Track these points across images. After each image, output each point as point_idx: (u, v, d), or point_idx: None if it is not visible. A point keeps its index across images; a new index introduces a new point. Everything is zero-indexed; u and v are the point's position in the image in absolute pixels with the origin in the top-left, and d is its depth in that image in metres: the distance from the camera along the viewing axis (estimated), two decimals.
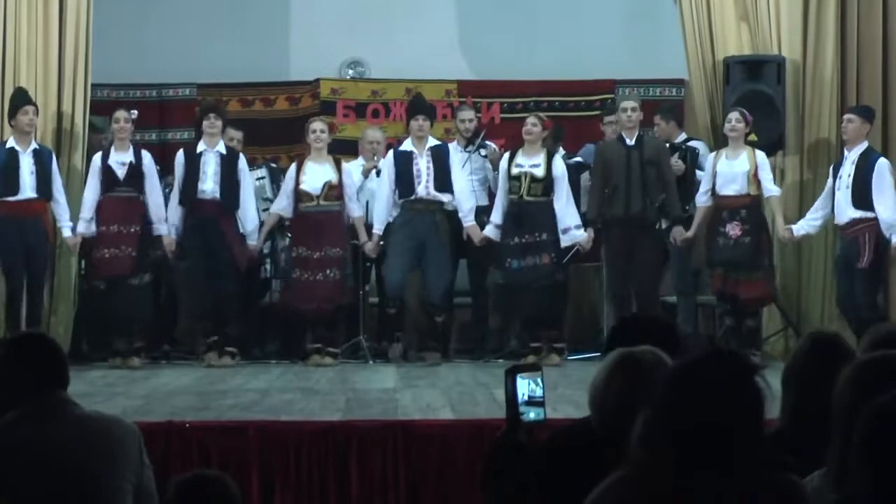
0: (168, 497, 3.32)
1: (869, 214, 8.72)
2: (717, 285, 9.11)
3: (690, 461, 2.30)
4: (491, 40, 11.60)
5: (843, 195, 8.83)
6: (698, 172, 9.62)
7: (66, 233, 9.15)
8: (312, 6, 11.81)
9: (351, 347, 9.50)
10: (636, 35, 11.50)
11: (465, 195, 9.37)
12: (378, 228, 9.34)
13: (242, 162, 9.33)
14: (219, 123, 9.24)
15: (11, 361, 3.46)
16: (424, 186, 9.27)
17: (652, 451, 2.36)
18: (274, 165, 10.43)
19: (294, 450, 5.93)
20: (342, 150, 10.32)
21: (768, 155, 9.30)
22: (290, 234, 9.50)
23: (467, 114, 10.09)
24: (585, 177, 9.79)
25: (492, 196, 9.78)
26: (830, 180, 9.02)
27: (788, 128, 9.63)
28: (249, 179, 9.37)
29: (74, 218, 9.19)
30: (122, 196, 9.14)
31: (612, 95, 11.33)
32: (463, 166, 9.61)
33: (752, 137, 9.42)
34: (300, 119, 11.38)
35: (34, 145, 9.07)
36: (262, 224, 9.40)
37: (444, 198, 9.30)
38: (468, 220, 9.37)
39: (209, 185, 9.15)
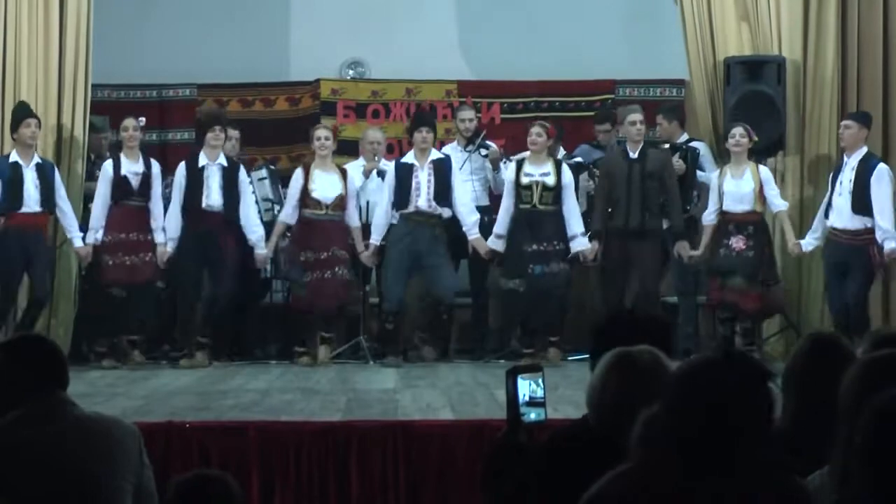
0: (169, 497, 3.32)
1: (873, 222, 8.75)
2: (716, 295, 9.12)
3: (696, 461, 2.30)
4: (491, 40, 11.60)
5: (844, 200, 8.84)
6: (699, 173, 9.63)
7: (78, 243, 9.14)
8: (312, 6, 11.81)
9: (351, 348, 9.50)
10: (636, 35, 11.50)
11: (468, 208, 9.35)
12: (375, 239, 9.34)
13: (243, 173, 9.34)
14: (222, 136, 9.25)
15: (11, 363, 3.46)
16: (426, 199, 9.25)
17: (656, 450, 2.36)
18: (273, 168, 10.42)
19: (294, 450, 5.93)
20: (343, 150, 10.30)
21: (768, 156, 9.30)
22: (288, 235, 9.48)
23: (467, 114, 10.09)
24: (584, 177, 9.80)
25: (492, 196, 9.78)
26: (829, 189, 9.01)
27: (789, 128, 9.63)
28: (249, 189, 9.36)
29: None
30: (136, 206, 9.16)
31: (612, 95, 11.34)
32: (461, 167, 9.61)
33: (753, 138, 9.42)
34: (300, 119, 11.40)
35: (37, 159, 9.06)
36: (268, 230, 9.39)
37: (444, 212, 9.29)
38: (473, 234, 9.35)
39: (214, 198, 9.15)
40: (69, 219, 9.13)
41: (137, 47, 11.27)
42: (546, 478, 3.05)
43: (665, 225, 9.35)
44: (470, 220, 9.34)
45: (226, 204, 9.15)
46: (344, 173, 9.37)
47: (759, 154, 9.39)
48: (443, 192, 9.26)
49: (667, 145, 9.62)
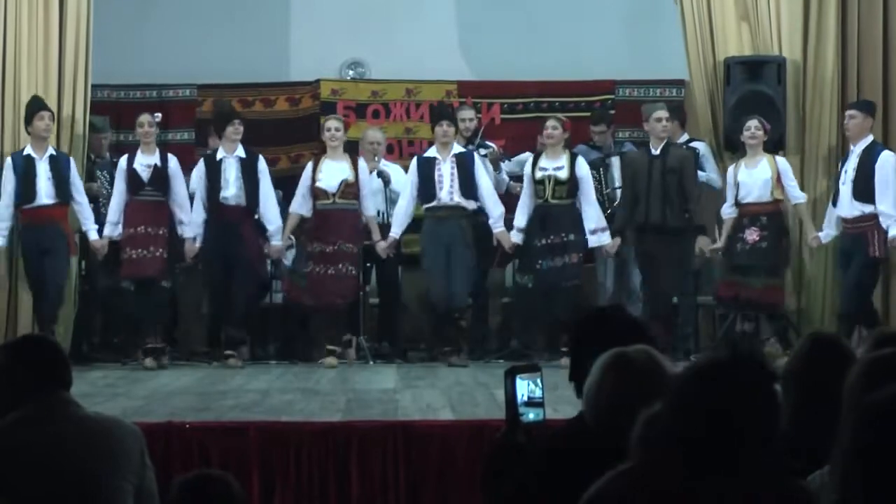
0: (172, 496, 3.32)
1: (873, 209, 8.74)
2: (729, 291, 9.08)
3: (698, 461, 2.30)
4: (491, 40, 11.59)
5: (847, 189, 8.86)
6: (699, 173, 9.63)
7: (93, 235, 9.18)
8: (312, 6, 11.80)
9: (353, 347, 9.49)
10: (636, 35, 11.50)
11: (493, 200, 9.33)
12: (395, 232, 9.32)
13: (262, 163, 9.35)
14: (241, 129, 9.27)
15: (14, 363, 3.47)
16: (448, 192, 9.24)
17: (657, 449, 2.36)
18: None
19: (294, 450, 5.93)
20: (343, 150, 10.28)
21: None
22: (292, 237, 9.48)
23: (467, 113, 10.09)
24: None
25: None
26: (837, 177, 9.02)
27: (789, 128, 9.63)
28: (269, 180, 9.36)
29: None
30: (149, 200, 9.16)
31: (612, 96, 11.34)
32: None
33: None
34: (300, 120, 11.40)
35: (51, 151, 9.10)
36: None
37: (469, 204, 9.27)
38: (498, 227, 9.32)
39: (231, 190, 9.17)
40: (85, 211, 9.18)
41: (137, 47, 11.27)
42: (545, 478, 3.05)
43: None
44: (496, 213, 9.30)
45: (245, 196, 9.16)
46: (355, 161, 9.34)
47: None
48: (466, 185, 9.24)
49: (691, 154, 9.55)
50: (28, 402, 3.39)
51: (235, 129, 9.25)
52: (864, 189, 8.77)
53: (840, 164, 9.13)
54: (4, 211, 9.09)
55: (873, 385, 2.55)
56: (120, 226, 9.17)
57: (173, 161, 9.27)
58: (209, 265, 9.28)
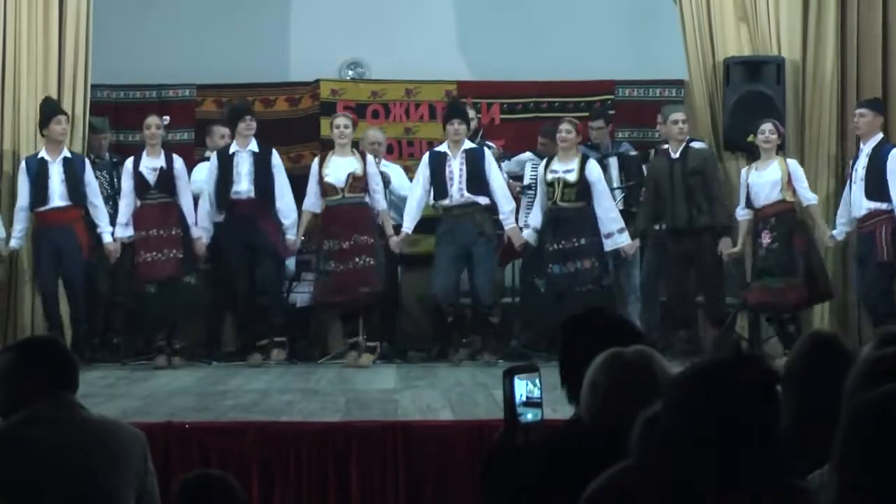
0: (173, 497, 3.33)
1: (882, 206, 8.73)
2: (755, 297, 9.06)
3: (700, 461, 2.30)
4: (491, 40, 11.60)
5: (858, 187, 8.84)
6: None
7: (107, 238, 9.19)
8: (312, 6, 11.81)
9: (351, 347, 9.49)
10: (636, 35, 11.50)
11: (504, 197, 9.31)
12: (407, 227, 9.31)
13: (276, 158, 9.35)
14: (254, 124, 9.28)
15: (22, 364, 3.47)
16: (458, 188, 9.23)
17: (657, 449, 2.36)
18: None
19: (294, 451, 5.93)
20: None
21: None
22: (303, 238, 9.49)
23: (469, 113, 10.07)
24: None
25: None
26: (849, 176, 9.02)
27: (788, 128, 9.62)
28: (284, 174, 9.36)
29: None
30: (157, 202, 9.16)
31: (612, 96, 11.34)
32: None
33: (752, 138, 9.42)
34: (300, 120, 11.40)
35: (65, 153, 9.12)
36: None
37: (480, 200, 9.25)
38: (508, 223, 9.33)
39: (244, 185, 9.18)
40: (100, 213, 9.20)
41: (137, 47, 11.28)
42: (544, 478, 3.05)
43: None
44: (507, 209, 9.29)
45: (257, 190, 9.16)
46: (363, 156, 9.33)
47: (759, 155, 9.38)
48: (477, 181, 9.22)
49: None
50: (34, 402, 3.39)
51: (247, 125, 9.25)
52: (876, 187, 8.74)
53: (851, 164, 9.10)
54: (19, 213, 9.11)
55: (874, 385, 2.55)
56: (130, 227, 9.17)
57: (179, 162, 9.26)
58: (227, 259, 9.24)
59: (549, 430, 3.29)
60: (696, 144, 9.84)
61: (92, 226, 9.21)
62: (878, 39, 9.77)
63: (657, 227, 9.42)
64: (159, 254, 9.08)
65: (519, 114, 11.44)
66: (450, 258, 9.22)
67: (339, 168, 9.21)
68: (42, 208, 9.06)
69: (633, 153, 10.19)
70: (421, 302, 9.94)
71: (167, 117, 9.58)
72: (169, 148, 9.58)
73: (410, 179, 9.96)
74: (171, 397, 7.35)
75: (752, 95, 9.50)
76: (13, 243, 9.16)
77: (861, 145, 9.00)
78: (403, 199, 9.69)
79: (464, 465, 5.82)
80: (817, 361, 3.36)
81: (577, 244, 9.10)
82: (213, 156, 9.39)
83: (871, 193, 8.76)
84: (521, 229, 9.41)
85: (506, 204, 9.28)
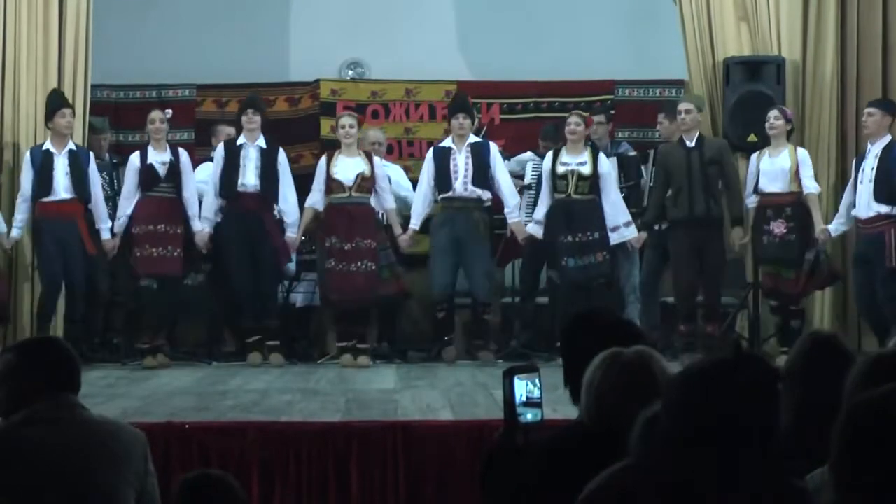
0: (173, 496, 3.33)
1: (892, 210, 8.68)
2: (767, 283, 9.07)
3: (700, 460, 2.30)
4: (491, 40, 11.60)
5: (866, 189, 8.79)
6: None
7: (105, 235, 9.19)
8: (312, 6, 11.81)
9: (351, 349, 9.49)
10: (636, 35, 11.50)
11: (509, 191, 9.32)
12: (415, 223, 9.32)
13: (282, 155, 9.34)
14: (257, 118, 9.26)
15: (25, 363, 3.47)
16: (462, 182, 9.23)
17: (657, 448, 2.36)
18: None
19: (294, 451, 5.93)
20: None
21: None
22: (304, 237, 9.48)
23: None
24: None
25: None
26: (853, 175, 8.99)
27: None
28: (289, 172, 9.36)
29: None
30: (164, 196, 9.14)
31: (611, 96, 11.34)
32: None
33: (752, 138, 9.42)
34: (300, 120, 11.40)
35: (70, 146, 9.11)
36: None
37: (483, 194, 9.25)
38: (513, 216, 9.35)
39: (250, 178, 9.17)
40: (100, 208, 9.20)
41: (137, 47, 11.28)
42: (545, 477, 3.05)
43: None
44: (511, 203, 9.31)
45: (263, 185, 9.16)
46: (370, 157, 9.33)
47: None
48: (481, 175, 9.23)
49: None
50: (34, 403, 3.39)
51: (249, 119, 9.24)
52: (884, 189, 8.69)
53: (855, 163, 9.08)
54: (21, 204, 9.11)
55: (873, 385, 2.55)
56: (128, 221, 9.15)
57: (184, 155, 9.29)
58: (228, 253, 9.21)
59: (549, 431, 3.29)
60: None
61: (91, 222, 9.21)
62: (878, 39, 9.77)
63: (657, 227, 9.41)
64: (163, 249, 9.07)
65: (519, 114, 11.44)
66: (445, 256, 9.22)
67: (347, 167, 9.20)
68: (45, 199, 9.04)
69: (633, 153, 10.19)
70: (421, 302, 9.93)
71: (169, 110, 9.56)
72: (169, 147, 9.57)
73: (410, 179, 9.98)
74: (171, 397, 7.35)
75: (752, 95, 9.50)
76: (14, 233, 9.15)
77: (869, 145, 8.95)
78: (402, 199, 9.70)
79: (464, 465, 5.83)
80: (817, 361, 3.37)
81: (591, 237, 9.10)
82: (220, 146, 9.37)
83: (879, 195, 8.71)
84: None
85: (511, 198, 9.32)
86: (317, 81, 11.48)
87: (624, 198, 9.72)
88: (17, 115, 9.60)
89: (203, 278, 9.43)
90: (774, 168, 8.99)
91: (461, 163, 9.25)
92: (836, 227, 9.09)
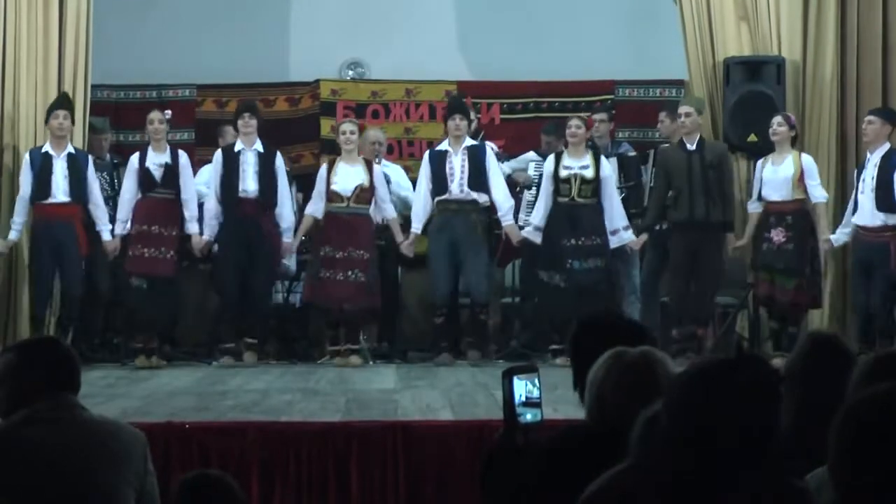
0: (172, 496, 3.32)
1: (893, 219, 8.66)
2: (763, 290, 9.06)
3: (700, 461, 2.30)
4: (491, 40, 11.60)
5: (867, 198, 8.78)
6: None
7: (106, 236, 9.18)
8: (312, 7, 11.81)
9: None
10: (636, 35, 11.50)
11: (504, 194, 9.31)
12: (416, 227, 9.31)
13: (279, 160, 9.33)
14: (253, 122, 9.23)
15: (26, 363, 3.47)
16: (458, 184, 9.22)
17: (657, 448, 2.36)
18: None
19: (294, 451, 5.93)
20: None
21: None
22: (304, 238, 9.48)
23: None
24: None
25: None
26: (855, 184, 8.97)
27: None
28: (286, 178, 9.37)
29: None
30: (161, 198, 9.13)
31: (611, 96, 11.35)
32: None
33: (753, 138, 9.42)
34: (300, 120, 11.41)
35: (69, 149, 9.10)
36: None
37: (480, 197, 9.25)
38: (507, 220, 9.33)
39: (250, 184, 9.16)
40: (100, 211, 9.19)
41: (137, 47, 11.28)
42: (545, 478, 3.05)
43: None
44: (505, 206, 9.29)
45: (261, 190, 9.15)
46: (370, 165, 9.33)
47: (758, 155, 9.38)
48: (477, 178, 9.21)
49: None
50: (34, 403, 3.39)
51: (245, 123, 9.22)
52: (885, 198, 8.68)
53: (857, 173, 9.06)
54: (20, 206, 9.11)
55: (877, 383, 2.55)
56: (129, 223, 9.16)
57: (184, 157, 9.26)
58: (225, 259, 9.20)
59: (549, 431, 3.29)
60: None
61: (90, 224, 9.20)
62: (878, 39, 9.77)
63: (658, 227, 9.41)
64: (156, 251, 9.05)
65: (519, 114, 11.45)
66: (444, 259, 9.21)
67: (347, 177, 9.19)
68: (43, 202, 9.04)
69: (633, 154, 10.19)
70: (421, 302, 9.93)
71: (169, 111, 9.55)
72: (169, 148, 9.57)
73: (410, 179, 9.97)
74: (171, 397, 7.35)
75: (752, 95, 9.50)
76: (12, 235, 9.15)
77: (868, 153, 8.94)
78: (403, 199, 9.71)
79: (464, 465, 5.82)
80: (817, 361, 3.37)
81: (594, 242, 9.10)
82: (218, 153, 9.36)
83: (881, 205, 8.70)
84: (519, 227, 9.42)
85: (505, 202, 9.28)
86: (317, 81, 11.49)
87: (624, 198, 9.72)
88: (17, 116, 9.60)
89: (189, 286, 9.35)
90: (777, 177, 8.97)
91: (457, 165, 9.24)
92: (839, 236, 9.07)
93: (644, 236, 9.31)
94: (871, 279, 8.79)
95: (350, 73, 11.84)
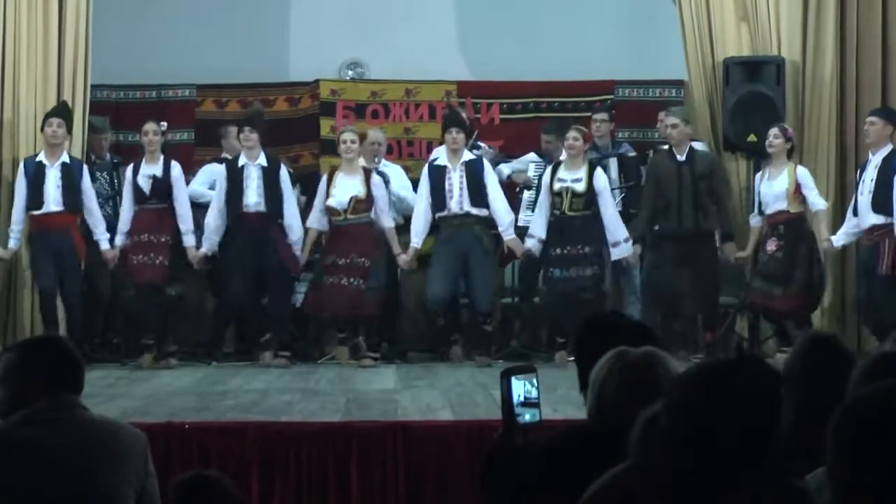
0: (169, 496, 3.32)
1: (889, 220, 8.61)
2: (754, 299, 9.08)
3: (700, 461, 2.30)
4: (490, 40, 11.60)
5: (865, 199, 8.77)
6: None
7: (104, 245, 9.17)
8: (312, 6, 11.81)
9: (352, 348, 9.48)
10: (636, 35, 11.50)
11: (504, 208, 9.30)
12: (416, 243, 9.29)
13: (284, 173, 9.30)
14: (253, 136, 9.18)
15: (29, 362, 3.47)
16: (458, 201, 9.22)
17: (657, 449, 2.36)
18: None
19: (294, 451, 5.93)
20: None
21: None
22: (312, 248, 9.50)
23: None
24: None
25: None
26: (856, 185, 8.96)
27: None
28: (291, 190, 9.35)
29: None
30: (153, 208, 9.12)
31: (611, 96, 11.34)
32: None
33: (752, 138, 9.42)
34: (299, 120, 11.41)
35: (63, 158, 9.09)
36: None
37: (480, 212, 9.24)
38: (508, 234, 9.32)
39: (253, 198, 9.14)
40: (95, 219, 9.18)
41: (137, 47, 11.28)
42: (545, 478, 3.05)
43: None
44: (505, 221, 9.29)
45: (267, 203, 9.13)
46: (368, 175, 9.31)
47: (758, 155, 9.38)
48: (476, 193, 9.21)
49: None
50: (36, 401, 3.39)
51: (246, 137, 9.19)
52: (882, 199, 8.66)
53: (858, 173, 9.05)
54: (17, 214, 9.10)
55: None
56: (127, 236, 9.16)
57: (176, 169, 9.19)
58: (232, 274, 9.18)
59: (549, 431, 3.29)
60: (696, 145, 9.84)
61: (88, 231, 9.20)
62: (878, 39, 9.78)
63: (656, 227, 9.41)
64: (146, 257, 9.06)
65: (519, 114, 11.44)
66: (447, 265, 9.22)
67: (343, 190, 9.18)
68: (37, 212, 9.04)
69: (633, 154, 10.19)
70: (421, 302, 9.93)
71: (164, 123, 9.51)
72: (169, 148, 9.58)
73: (410, 179, 9.98)
74: (171, 397, 7.35)
75: (752, 96, 9.51)
76: (11, 243, 9.16)
77: (870, 154, 8.92)
78: (402, 199, 9.70)
79: (464, 465, 5.83)
80: (817, 362, 3.37)
81: (581, 251, 9.09)
82: (222, 168, 9.33)
83: (877, 206, 8.68)
84: (519, 228, 9.43)
85: (505, 216, 9.29)
86: (317, 81, 11.48)
87: (623, 198, 9.73)
88: (17, 116, 9.61)
89: (179, 291, 9.33)
90: (773, 191, 8.97)
91: (455, 182, 9.24)
92: (840, 237, 9.04)
93: (637, 247, 9.29)
94: (870, 282, 8.80)
95: (350, 73, 11.83)
